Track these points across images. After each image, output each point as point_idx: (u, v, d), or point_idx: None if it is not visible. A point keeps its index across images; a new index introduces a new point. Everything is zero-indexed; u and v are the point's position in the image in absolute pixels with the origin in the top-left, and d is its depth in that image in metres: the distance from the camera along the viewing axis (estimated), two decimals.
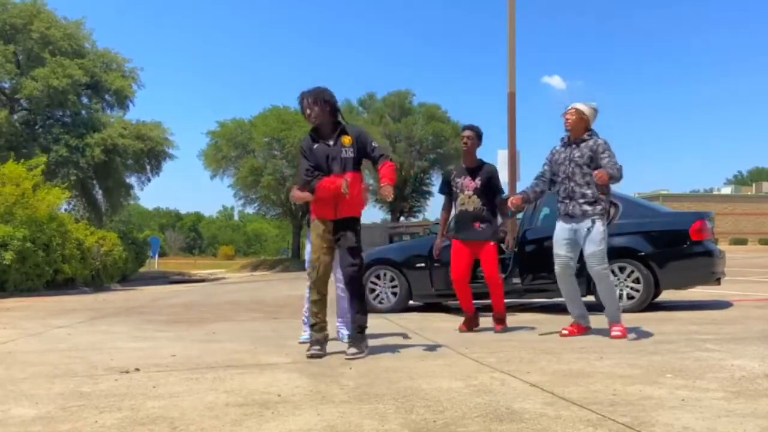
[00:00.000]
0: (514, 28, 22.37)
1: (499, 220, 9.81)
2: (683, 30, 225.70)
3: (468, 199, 9.43)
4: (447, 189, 9.82)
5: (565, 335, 8.71)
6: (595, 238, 8.34)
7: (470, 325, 9.74)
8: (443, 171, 10.15)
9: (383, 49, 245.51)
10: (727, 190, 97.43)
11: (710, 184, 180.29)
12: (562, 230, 8.68)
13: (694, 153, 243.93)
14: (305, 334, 8.44)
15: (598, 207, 8.40)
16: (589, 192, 8.42)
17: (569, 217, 8.57)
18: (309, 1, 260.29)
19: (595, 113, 8.71)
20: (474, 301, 9.82)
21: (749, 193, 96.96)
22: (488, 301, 9.80)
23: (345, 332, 8.59)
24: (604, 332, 8.53)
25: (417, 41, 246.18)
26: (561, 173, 8.68)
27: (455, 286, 9.74)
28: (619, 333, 8.34)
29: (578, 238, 8.49)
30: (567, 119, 8.64)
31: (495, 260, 9.46)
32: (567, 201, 8.59)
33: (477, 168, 9.53)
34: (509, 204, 9.14)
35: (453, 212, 9.80)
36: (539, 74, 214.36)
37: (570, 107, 8.68)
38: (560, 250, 8.70)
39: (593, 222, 8.36)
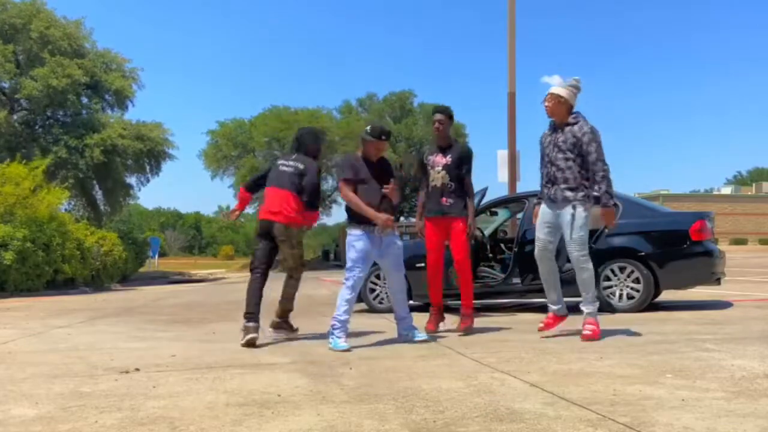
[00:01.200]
0: (514, 29, 22.44)
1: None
2: (685, 30, 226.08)
3: (437, 174, 9.42)
4: (422, 169, 9.82)
5: (542, 328, 8.75)
6: (576, 223, 8.32)
7: (437, 323, 9.67)
8: (419, 152, 10.21)
9: (384, 50, 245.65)
10: (727, 190, 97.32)
11: (710, 184, 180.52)
12: (544, 214, 8.66)
13: (694, 153, 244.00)
14: (341, 340, 8.37)
15: (580, 193, 8.34)
16: (570, 177, 8.40)
17: (551, 201, 8.55)
18: (310, 2, 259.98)
19: (576, 92, 8.59)
20: (474, 301, 9.81)
21: (749, 193, 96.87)
22: (486, 301, 9.78)
23: (416, 332, 8.71)
24: (603, 331, 8.53)
25: (418, 42, 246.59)
26: (545, 157, 8.67)
27: (428, 269, 9.70)
28: (590, 333, 8.27)
29: (560, 223, 8.48)
30: (547, 106, 8.59)
31: (464, 242, 9.37)
32: (549, 186, 8.56)
33: (449, 146, 9.56)
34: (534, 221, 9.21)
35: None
36: (539, 74, 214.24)
37: (547, 93, 8.65)
38: (540, 233, 8.69)
39: (575, 208, 8.33)
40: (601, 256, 11.30)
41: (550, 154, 8.57)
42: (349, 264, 8.37)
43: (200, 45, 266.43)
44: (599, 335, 8.27)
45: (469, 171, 9.54)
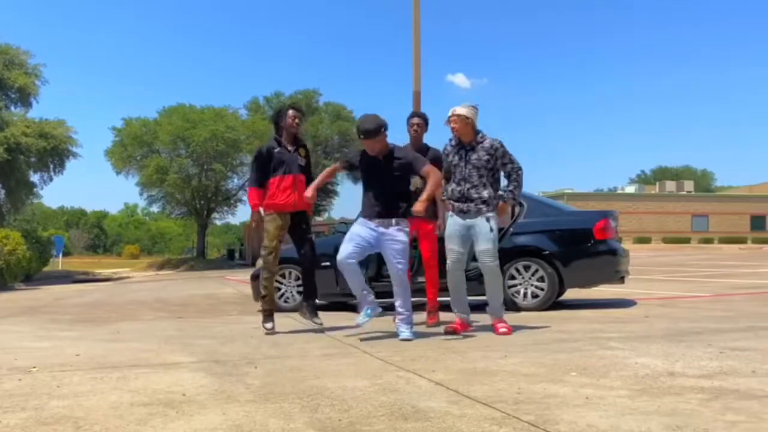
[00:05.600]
0: (419, 26, 22.45)
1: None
2: (587, 31, 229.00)
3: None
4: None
5: (450, 331, 8.77)
6: (489, 235, 8.50)
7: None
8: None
9: (289, 51, 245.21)
10: (630, 189, 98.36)
11: (614, 183, 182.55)
12: (455, 225, 8.75)
13: (599, 152, 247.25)
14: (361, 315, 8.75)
15: (491, 206, 8.56)
16: (485, 193, 8.56)
17: (463, 213, 8.67)
18: (214, 3, 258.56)
19: (477, 111, 8.78)
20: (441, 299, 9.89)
21: (653, 192, 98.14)
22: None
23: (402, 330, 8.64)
24: (515, 330, 8.61)
25: (323, 43, 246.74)
26: (457, 174, 8.76)
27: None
28: (506, 330, 8.51)
29: (471, 234, 8.62)
30: (454, 127, 8.72)
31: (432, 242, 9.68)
32: (463, 201, 8.68)
33: (423, 153, 9.55)
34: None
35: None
36: (443, 73, 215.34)
37: (451, 114, 8.72)
38: (453, 245, 8.78)
39: (488, 220, 8.50)
40: (505, 255, 11.39)
41: (463, 172, 8.69)
42: None
43: (102, 41, 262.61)
44: (512, 331, 8.51)
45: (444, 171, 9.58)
